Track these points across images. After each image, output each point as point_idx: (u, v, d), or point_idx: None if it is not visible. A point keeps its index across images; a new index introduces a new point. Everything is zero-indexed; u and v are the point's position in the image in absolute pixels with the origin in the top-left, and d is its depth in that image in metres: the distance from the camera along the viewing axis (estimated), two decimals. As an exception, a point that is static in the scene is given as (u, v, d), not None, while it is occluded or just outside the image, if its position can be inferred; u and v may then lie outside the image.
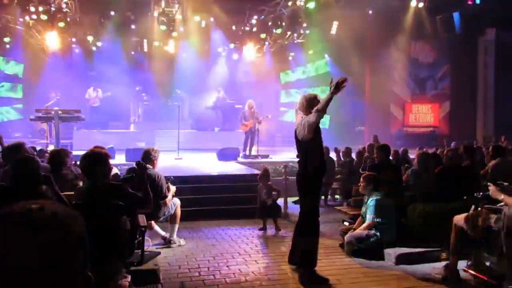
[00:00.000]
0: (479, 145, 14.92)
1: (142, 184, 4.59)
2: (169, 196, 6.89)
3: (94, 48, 19.00)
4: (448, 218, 5.83)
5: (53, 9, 16.47)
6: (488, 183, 5.13)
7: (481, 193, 5.52)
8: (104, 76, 18.30)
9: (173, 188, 7.11)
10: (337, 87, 5.22)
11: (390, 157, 8.72)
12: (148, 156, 6.75)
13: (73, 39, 18.65)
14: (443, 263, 5.77)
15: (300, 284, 5.42)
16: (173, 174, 8.19)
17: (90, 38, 18.21)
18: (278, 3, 17.96)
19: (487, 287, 5.23)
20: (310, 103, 5.67)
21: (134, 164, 5.16)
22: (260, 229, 8.11)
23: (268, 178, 8.42)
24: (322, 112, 5.32)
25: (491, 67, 21.70)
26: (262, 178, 8.39)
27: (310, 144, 5.55)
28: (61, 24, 16.69)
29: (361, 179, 6.86)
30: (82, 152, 4.65)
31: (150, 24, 18.22)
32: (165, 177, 7.07)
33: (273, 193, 8.30)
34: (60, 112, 11.86)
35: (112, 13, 17.22)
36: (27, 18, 16.85)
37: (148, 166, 6.15)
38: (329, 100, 5.29)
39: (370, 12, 18.85)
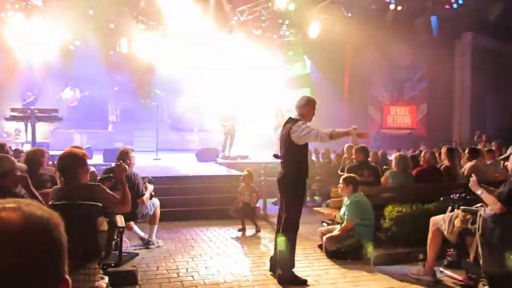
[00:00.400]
0: (457, 146, 15.12)
1: (121, 184, 4.55)
2: (147, 194, 6.82)
3: (71, 47, 18.76)
4: (425, 219, 5.91)
5: (29, 6, 16.24)
6: (472, 174, 5.20)
7: (457, 195, 5.60)
8: (82, 75, 18.08)
9: (150, 187, 7.05)
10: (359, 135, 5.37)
11: (369, 159, 8.77)
12: (124, 156, 6.70)
13: (50, 37, 18.39)
14: (420, 263, 5.82)
15: (279, 284, 5.43)
16: (152, 174, 8.13)
17: (68, 37, 17.95)
18: (259, 4, 17.97)
19: (462, 287, 5.30)
20: (310, 105, 5.70)
21: (112, 165, 5.12)
22: (239, 230, 8.10)
23: (251, 180, 8.41)
24: (331, 139, 5.32)
25: (467, 70, 22.03)
26: (246, 179, 8.33)
27: (300, 146, 5.54)
28: (38, 22, 16.45)
29: (340, 180, 6.89)
30: (60, 152, 4.59)
31: (129, 23, 18.05)
32: (143, 177, 7.02)
33: (253, 194, 8.30)
34: (36, 111, 11.67)
35: (91, 11, 17.02)
36: (2, 14, 16.57)
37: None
38: (345, 134, 5.44)
39: (350, 15, 18.98)
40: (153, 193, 7.10)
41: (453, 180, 7.86)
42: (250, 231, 8.10)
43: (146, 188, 6.88)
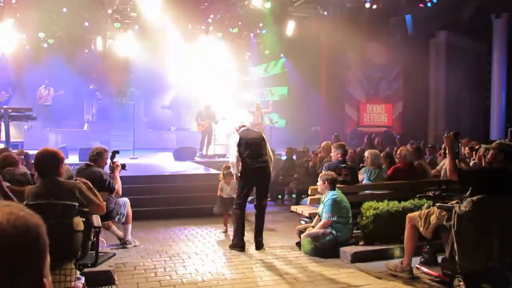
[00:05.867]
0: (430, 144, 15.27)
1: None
2: (119, 183, 6.64)
3: (45, 45, 18.46)
4: (402, 216, 5.96)
5: (1, 4, 15.93)
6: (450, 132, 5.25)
7: (433, 192, 5.66)
8: (56, 74, 17.84)
9: (117, 171, 6.81)
10: None
11: (347, 156, 8.79)
12: (95, 156, 6.56)
13: (23, 36, 18.09)
14: (397, 260, 5.87)
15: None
16: (129, 174, 8.03)
17: (41, 35, 17.65)
18: (235, 2, 17.93)
19: (438, 283, 5.36)
20: None
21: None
22: (223, 231, 8.03)
23: (231, 175, 8.32)
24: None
25: (441, 68, 22.27)
26: (226, 175, 8.22)
27: None
28: (10, 20, 16.16)
29: (318, 178, 6.91)
30: (34, 152, 4.53)
31: (104, 21, 17.82)
32: (113, 151, 6.87)
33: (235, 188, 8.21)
34: (10, 110, 11.45)
35: (64, 9, 16.77)
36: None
37: (91, 164, 6.14)
38: None
39: (326, 13, 19.05)
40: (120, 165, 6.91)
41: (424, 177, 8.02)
42: (229, 229, 8.09)
43: (115, 170, 6.69)
